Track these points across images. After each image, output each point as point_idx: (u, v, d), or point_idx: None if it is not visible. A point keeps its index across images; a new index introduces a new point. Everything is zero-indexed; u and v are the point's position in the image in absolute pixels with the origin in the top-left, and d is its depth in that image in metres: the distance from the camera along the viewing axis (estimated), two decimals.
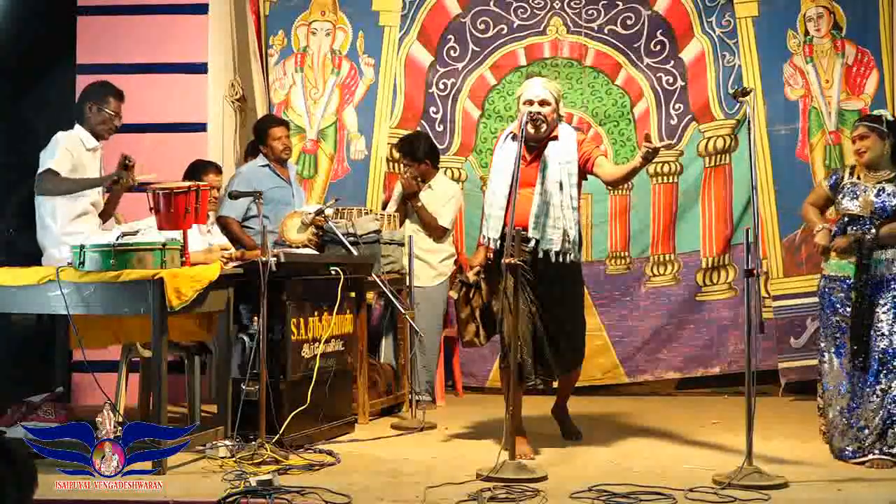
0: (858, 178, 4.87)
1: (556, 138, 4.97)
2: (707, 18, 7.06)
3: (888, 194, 4.75)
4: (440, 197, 6.49)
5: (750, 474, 4.15)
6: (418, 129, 7.08)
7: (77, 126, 5.08)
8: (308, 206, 6.00)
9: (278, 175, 6.24)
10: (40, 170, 4.91)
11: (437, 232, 6.45)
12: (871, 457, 4.59)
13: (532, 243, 4.83)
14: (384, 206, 6.63)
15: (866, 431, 4.64)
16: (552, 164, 4.91)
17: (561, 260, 4.87)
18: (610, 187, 6.35)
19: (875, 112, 5.06)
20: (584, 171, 5.00)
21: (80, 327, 4.67)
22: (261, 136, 6.30)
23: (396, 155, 6.79)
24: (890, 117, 4.87)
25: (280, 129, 6.29)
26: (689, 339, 7.05)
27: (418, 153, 6.42)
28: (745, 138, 6.83)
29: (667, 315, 7.06)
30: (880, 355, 4.66)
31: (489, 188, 5.09)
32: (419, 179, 6.41)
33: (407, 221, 6.48)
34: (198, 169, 5.79)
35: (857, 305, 4.71)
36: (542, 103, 4.91)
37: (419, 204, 6.41)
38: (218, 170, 6.00)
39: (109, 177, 5.01)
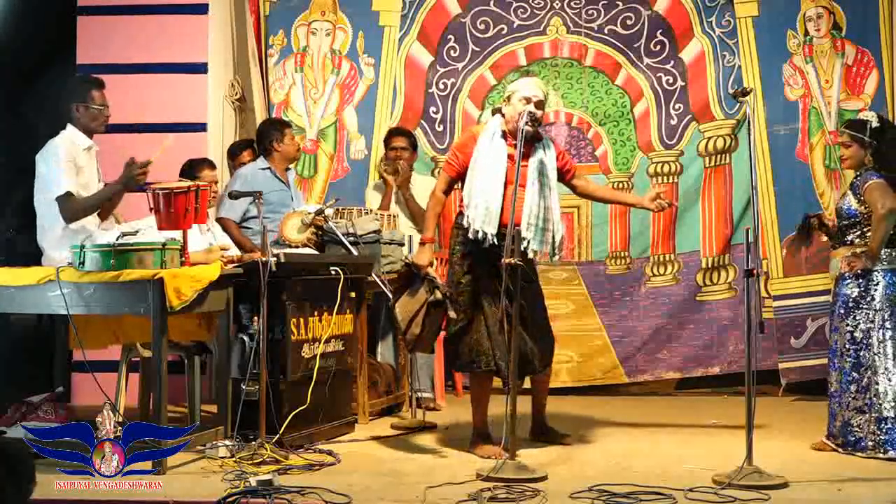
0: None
1: (540, 139, 4.98)
2: (707, 18, 7.06)
3: (847, 198, 4.97)
4: (425, 191, 6.49)
5: (750, 474, 4.16)
6: (418, 129, 7.09)
7: (69, 127, 4.98)
8: (308, 206, 6.00)
9: (279, 178, 6.23)
10: (56, 193, 4.75)
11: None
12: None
13: (525, 243, 4.80)
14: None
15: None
16: (548, 165, 4.93)
17: (550, 260, 5.08)
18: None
19: (861, 116, 5.16)
20: (562, 177, 5.10)
21: (80, 327, 4.67)
22: (271, 136, 6.23)
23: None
24: (875, 122, 4.93)
25: (291, 130, 6.39)
26: (689, 339, 7.04)
27: (412, 139, 6.68)
28: (745, 138, 6.83)
29: (667, 315, 7.05)
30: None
31: (473, 182, 4.87)
32: (398, 169, 6.51)
33: (394, 206, 6.49)
34: (192, 166, 5.78)
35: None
36: (539, 105, 4.90)
37: (409, 193, 6.48)
38: (212, 165, 5.98)
39: (118, 185, 4.88)
